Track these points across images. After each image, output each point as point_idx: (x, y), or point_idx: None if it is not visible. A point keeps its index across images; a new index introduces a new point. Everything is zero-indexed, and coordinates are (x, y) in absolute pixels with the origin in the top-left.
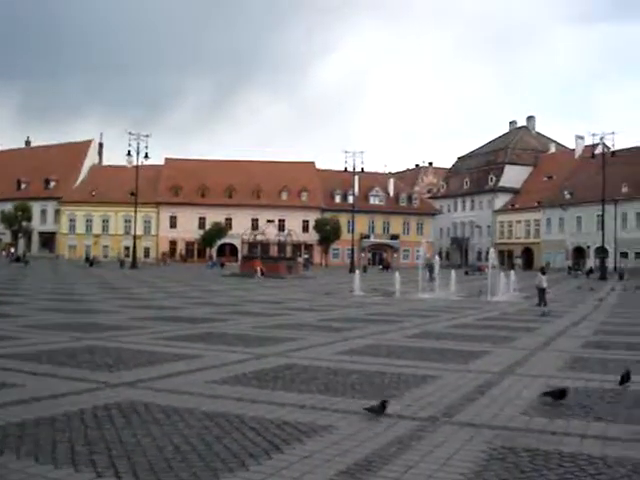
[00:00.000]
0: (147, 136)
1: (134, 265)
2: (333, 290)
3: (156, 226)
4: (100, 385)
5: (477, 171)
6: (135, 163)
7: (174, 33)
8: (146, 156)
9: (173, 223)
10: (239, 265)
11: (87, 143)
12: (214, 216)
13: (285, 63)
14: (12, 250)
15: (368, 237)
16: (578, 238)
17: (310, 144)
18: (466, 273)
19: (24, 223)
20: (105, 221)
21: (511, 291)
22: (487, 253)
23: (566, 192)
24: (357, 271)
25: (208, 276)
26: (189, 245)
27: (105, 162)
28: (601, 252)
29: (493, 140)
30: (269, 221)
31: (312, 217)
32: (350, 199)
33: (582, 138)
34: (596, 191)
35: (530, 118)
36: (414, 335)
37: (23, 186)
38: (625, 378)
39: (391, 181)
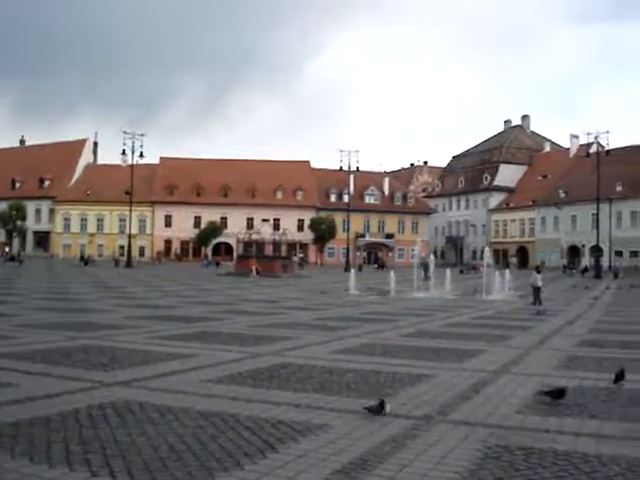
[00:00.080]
0: (142, 135)
1: (129, 264)
2: (328, 289)
3: (151, 225)
4: (95, 384)
5: (472, 170)
6: (130, 162)
7: (169, 33)
8: (141, 155)
9: (168, 222)
10: (234, 264)
11: (82, 142)
12: (209, 215)
13: (280, 62)
14: (6, 249)
15: (363, 236)
16: (573, 237)
17: (305, 143)
18: (461, 272)
19: (18, 222)
20: (100, 220)
21: (506, 290)
22: (482, 252)
23: (561, 191)
24: (352, 270)
25: (203, 275)
26: (184, 244)
27: (100, 161)
28: (596, 251)
29: (488, 139)
30: (264, 220)
31: (307, 216)
32: (345, 198)
33: (577, 137)
34: (591, 190)
35: (525, 117)
36: (409, 334)
37: (17, 185)
38: (619, 376)
39: (386, 180)
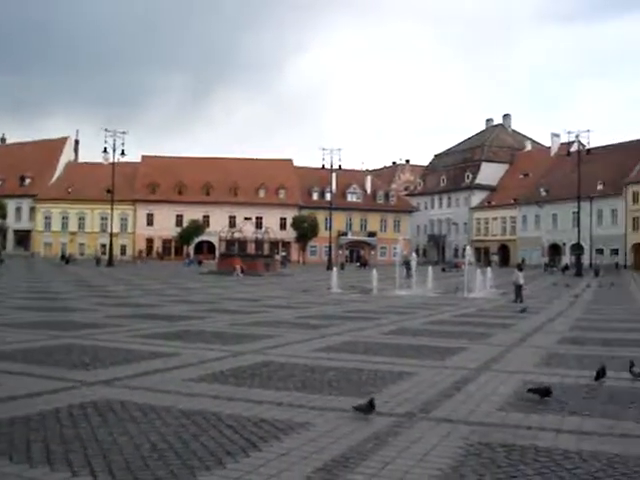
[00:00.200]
0: (123, 133)
1: (110, 263)
2: (310, 287)
3: (133, 223)
4: (76, 383)
5: (454, 168)
6: (111, 160)
7: (151, 32)
8: (122, 153)
9: (150, 220)
10: (216, 263)
11: (63, 140)
12: (191, 213)
13: (260, 61)
14: None
15: (345, 234)
16: (554, 235)
17: (287, 142)
18: (443, 270)
19: None
20: (81, 218)
21: (487, 288)
22: (464, 250)
23: (542, 189)
24: (334, 268)
25: (185, 274)
26: (166, 243)
27: (81, 159)
28: (577, 249)
29: (469, 138)
30: (246, 219)
31: (289, 214)
32: (327, 196)
33: (558, 136)
34: (572, 188)
35: (506, 116)
36: (391, 332)
37: None
38: (600, 374)
39: (368, 178)
